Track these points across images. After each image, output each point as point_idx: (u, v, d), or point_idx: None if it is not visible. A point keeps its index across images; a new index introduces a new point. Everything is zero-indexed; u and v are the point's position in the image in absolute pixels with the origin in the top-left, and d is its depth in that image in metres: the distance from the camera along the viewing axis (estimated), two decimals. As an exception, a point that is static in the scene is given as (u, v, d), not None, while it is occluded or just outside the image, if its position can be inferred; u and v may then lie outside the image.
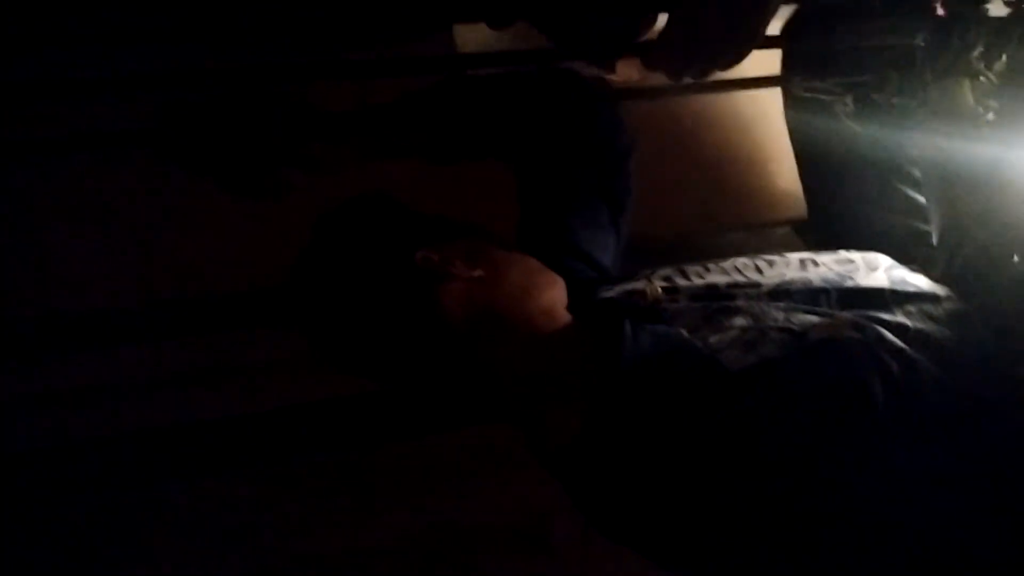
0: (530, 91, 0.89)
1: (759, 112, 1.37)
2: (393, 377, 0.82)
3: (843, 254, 0.89)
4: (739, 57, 0.74)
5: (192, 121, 0.74)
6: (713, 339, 0.75)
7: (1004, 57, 0.84)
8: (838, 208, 1.04)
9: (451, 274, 0.75)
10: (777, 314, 0.78)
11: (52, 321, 1.10)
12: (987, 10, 0.85)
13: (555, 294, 0.80)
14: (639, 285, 0.83)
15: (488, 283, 0.76)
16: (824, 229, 1.07)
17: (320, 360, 0.82)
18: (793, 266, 0.87)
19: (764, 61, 0.88)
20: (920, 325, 0.78)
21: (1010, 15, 0.83)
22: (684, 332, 0.77)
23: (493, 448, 1.24)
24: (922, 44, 0.83)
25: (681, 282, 0.84)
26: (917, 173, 1.01)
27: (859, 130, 0.96)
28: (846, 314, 0.78)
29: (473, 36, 0.84)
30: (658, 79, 0.80)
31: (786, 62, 0.95)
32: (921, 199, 1.01)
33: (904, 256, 0.91)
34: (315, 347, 0.81)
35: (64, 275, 1.11)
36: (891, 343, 0.74)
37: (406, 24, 0.80)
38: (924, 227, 1.00)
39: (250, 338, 1.19)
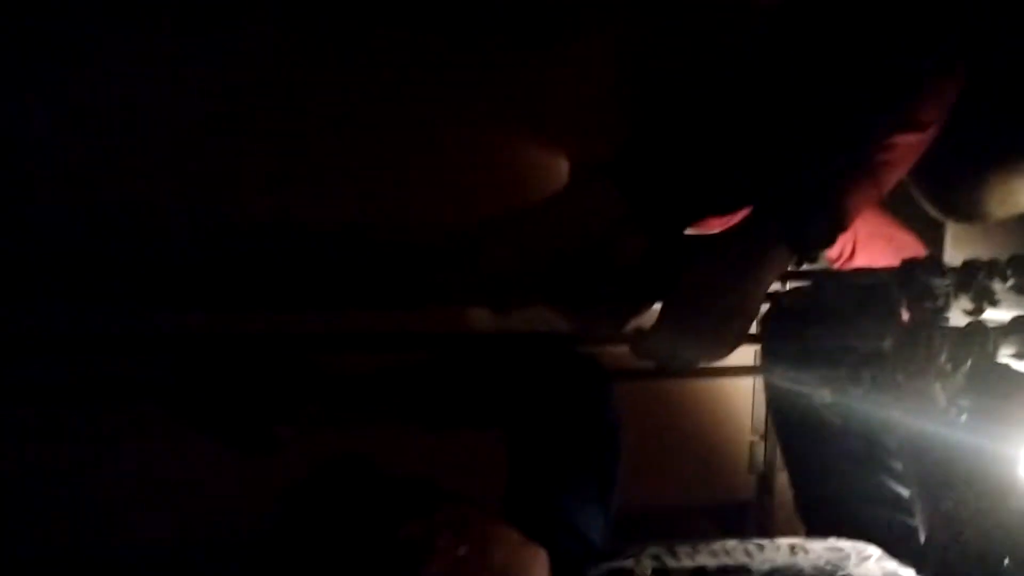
0: (527, 365, 0.93)
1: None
2: None
3: (833, 542, 0.89)
4: (722, 353, 0.81)
5: (200, 379, 0.78)
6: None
7: (968, 363, 0.90)
8: (823, 498, 1.05)
9: (435, 551, 0.73)
10: None
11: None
12: (947, 320, 0.92)
13: (537, 571, 0.78)
14: (627, 564, 0.82)
15: (472, 560, 0.75)
16: (811, 517, 1.07)
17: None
18: (783, 552, 0.86)
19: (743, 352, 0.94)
20: None
21: (969, 325, 0.90)
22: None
23: None
24: (890, 347, 0.89)
25: (671, 563, 0.82)
26: (898, 466, 1.03)
27: (837, 423, 0.99)
28: None
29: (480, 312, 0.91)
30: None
31: (765, 356, 1.01)
32: (904, 492, 1.02)
33: (891, 549, 0.90)
34: None
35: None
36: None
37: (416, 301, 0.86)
38: (909, 519, 1.00)
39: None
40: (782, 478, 1.44)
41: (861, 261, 1.37)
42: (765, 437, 1.45)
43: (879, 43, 0.78)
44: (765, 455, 1.46)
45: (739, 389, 1.42)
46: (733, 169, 0.80)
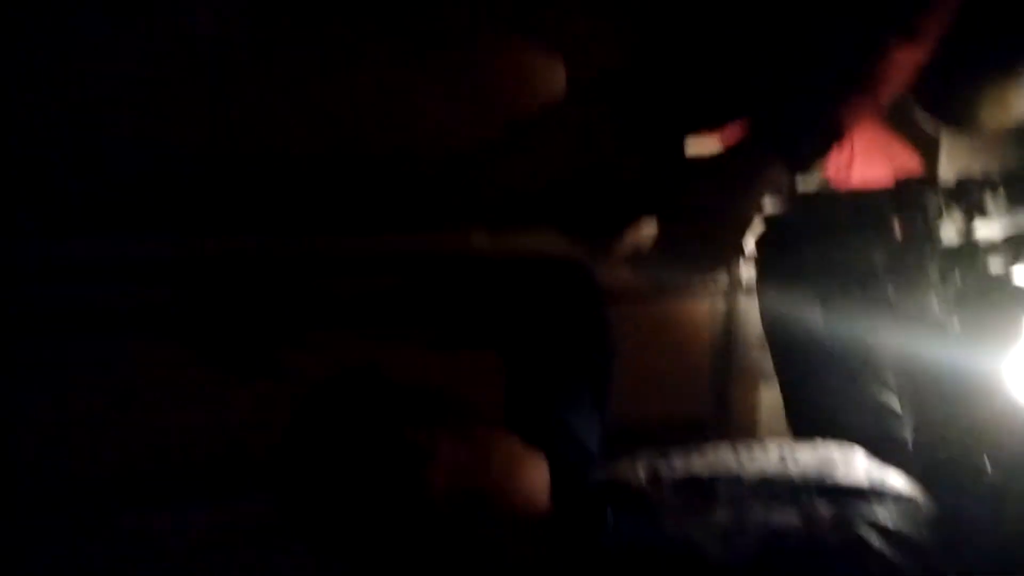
0: (526, 284, 0.95)
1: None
2: (373, 554, 0.82)
3: (821, 447, 0.92)
4: (716, 269, 0.82)
5: (201, 304, 0.79)
6: (693, 532, 0.77)
7: (958, 277, 0.92)
8: (814, 406, 1.08)
9: (438, 454, 0.76)
10: (757, 509, 0.79)
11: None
12: (939, 235, 0.93)
13: (538, 476, 0.81)
14: (622, 471, 0.85)
15: (474, 464, 0.78)
16: (802, 424, 1.10)
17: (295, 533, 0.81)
18: (773, 456, 0.89)
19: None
20: (899, 526, 0.80)
21: (960, 241, 0.92)
22: (665, 524, 0.78)
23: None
24: (883, 263, 0.91)
25: (664, 470, 0.86)
26: (889, 377, 1.06)
27: (830, 336, 1.02)
28: (827, 511, 0.80)
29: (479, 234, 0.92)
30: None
31: (759, 272, 1.03)
32: (894, 401, 1.05)
33: (879, 454, 0.93)
34: (295, 524, 0.81)
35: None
36: (871, 546, 0.76)
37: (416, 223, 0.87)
38: (897, 427, 1.04)
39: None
40: (738, 396, 1.49)
41: (858, 175, 1.37)
42: (726, 356, 1.48)
43: None
44: (724, 374, 1.50)
45: (699, 310, 1.45)
46: (728, 85, 0.80)
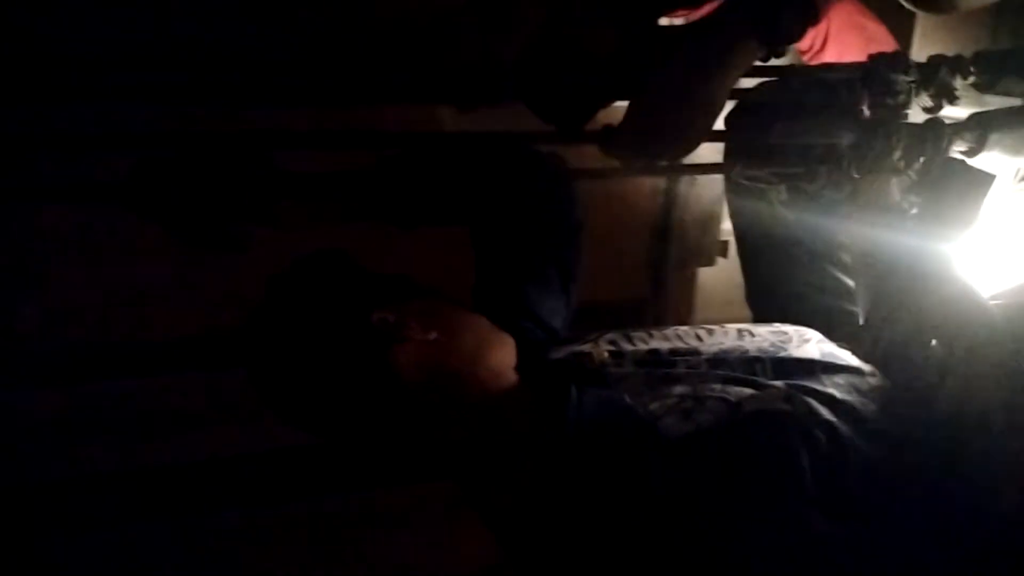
0: (493, 164, 0.94)
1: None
2: (342, 433, 0.84)
3: (777, 326, 0.95)
4: (689, 149, 0.82)
5: (160, 175, 0.77)
6: (654, 406, 0.80)
7: (921, 159, 0.92)
8: (773, 286, 1.11)
9: (406, 335, 0.77)
10: (714, 383, 0.82)
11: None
12: (907, 115, 0.93)
13: (505, 355, 0.83)
14: (586, 348, 0.88)
15: (442, 344, 0.79)
16: (760, 304, 1.14)
17: (271, 412, 0.83)
18: (731, 336, 0.92)
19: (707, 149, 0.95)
20: (847, 397, 0.84)
21: (926, 122, 0.92)
22: (627, 398, 0.81)
23: (441, 501, 1.25)
24: (848, 143, 0.91)
25: (626, 347, 0.88)
26: (847, 258, 1.09)
27: (792, 217, 1.03)
28: (779, 384, 0.83)
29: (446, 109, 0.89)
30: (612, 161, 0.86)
31: (728, 152, 1.02)
32: (850, 282, 1.09)
33: (833, 333, 0.97)
34: (265, 400, 0.82)
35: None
36: (820, 415, 0.80)
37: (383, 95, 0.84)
38: (852, 308, 1.07)
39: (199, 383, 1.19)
40: (676, 279, 1.52)
41: (831, 53, 1.35)
42: (665, 237, 1.49)
43: None
44: (662, 253, 1.52)
45: (640, 190, 1.45)
46: None
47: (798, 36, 0.79)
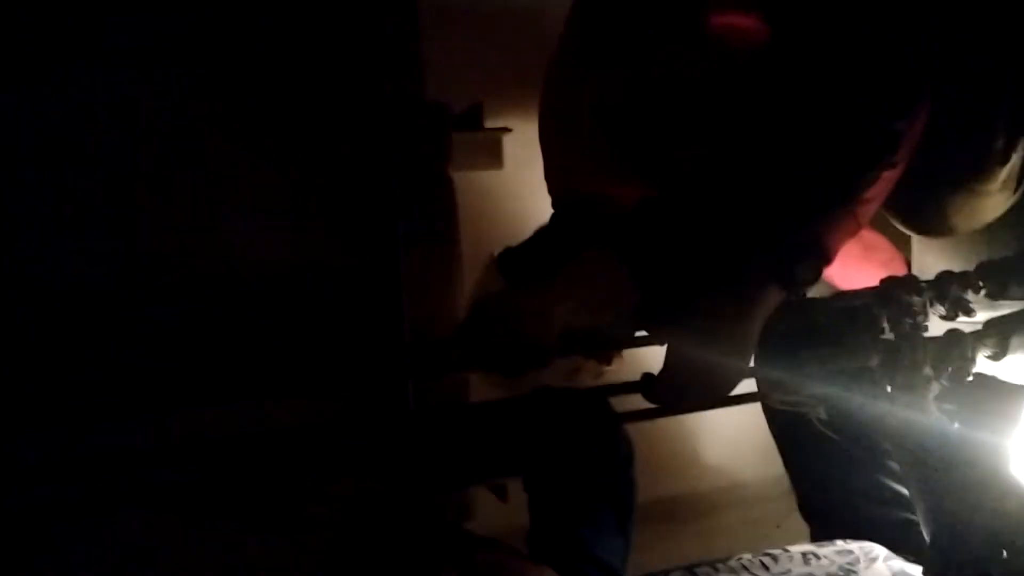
0: (542, 416, 0.97)
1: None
2: None
3: (841, 544, 0.94)
4: (725, 393, 0.85)
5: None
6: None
7: (950, 369, 0.95)
8: (827, 501, 1.10)
9: None
10: None
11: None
12: (927, 328, 0.97)
13: None
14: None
15: None
16: (816, 519, 1.12)
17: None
18: (796, 561, 0.91)
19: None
20: None
21: (947, 334, 0.95)
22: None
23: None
24: (876, 364, 0.94)
25: (694, 587, 0.87)
26: (895, 466, 1.09)
27: (835, 435, 1.04)
28: None
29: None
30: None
31: (759, 380, 1.06)
32: (902, 489, 1.08)
33: (896, 545, 0.95)
34: None
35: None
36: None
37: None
38: (909, 516, 1.06)
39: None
40: None
41: (837, 268, 1.42)
42: None
43: (859, 106, 0.82)
44: None
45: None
46: (724, 225, 0.84)
47: (814, 280, 0.85)
